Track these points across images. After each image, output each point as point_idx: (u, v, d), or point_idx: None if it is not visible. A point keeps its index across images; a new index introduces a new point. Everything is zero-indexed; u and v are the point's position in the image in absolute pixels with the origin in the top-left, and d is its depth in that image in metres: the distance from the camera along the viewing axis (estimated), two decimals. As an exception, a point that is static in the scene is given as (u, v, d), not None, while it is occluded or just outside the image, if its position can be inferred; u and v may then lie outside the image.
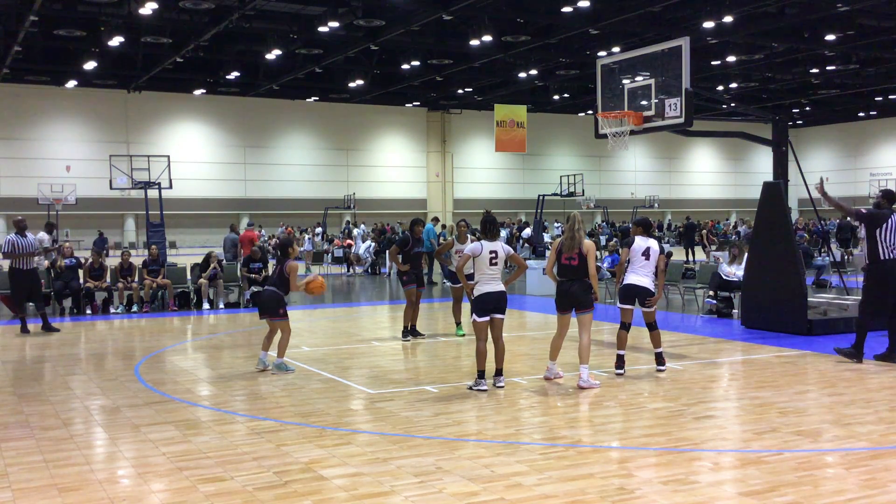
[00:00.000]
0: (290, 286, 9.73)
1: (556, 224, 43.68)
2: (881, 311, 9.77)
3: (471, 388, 8.44)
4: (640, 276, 9.24)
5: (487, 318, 8.45)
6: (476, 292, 8.48)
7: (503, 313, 8.51)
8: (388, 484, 5.49)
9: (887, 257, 9.59)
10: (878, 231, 9.63)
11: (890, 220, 9.64)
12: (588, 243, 8.62)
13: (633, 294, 9.28)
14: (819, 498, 5.13)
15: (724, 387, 8.75)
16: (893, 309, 9.71)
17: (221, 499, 5.27)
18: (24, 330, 13.56)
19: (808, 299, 12.30)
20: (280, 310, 9.68)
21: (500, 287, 8.48)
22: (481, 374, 8.45)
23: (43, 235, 20.45)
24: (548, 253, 35.33)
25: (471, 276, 8.72)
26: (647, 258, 9.25)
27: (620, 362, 9.23)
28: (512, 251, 8.70)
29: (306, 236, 35.93)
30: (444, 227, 28.49)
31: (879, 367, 9.54)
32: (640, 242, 9.35)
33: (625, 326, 9.29)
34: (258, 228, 37.49)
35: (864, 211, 9.88)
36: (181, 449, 6.41)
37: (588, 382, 8.48)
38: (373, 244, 27.87)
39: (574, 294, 8.59)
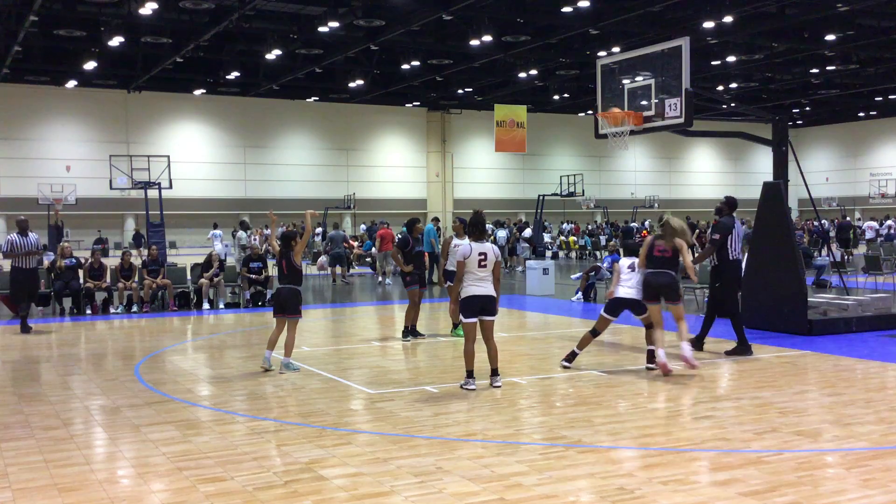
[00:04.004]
0: (301, 246, 9.86)
1: (565, 224, 43.75)
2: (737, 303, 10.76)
3: (461, 387, 8.45)
4: (626, 287, 9.52)
5: (475, 320, 8.45)
6: (463, 294, 8.47)
7: (492, 315, 8.49)
8: (388, 484, 5.49)
9: (734, 258, 10.62)
10: (728, 238, 10.58)
11: (735, 227, 10.73)
12: (679, 241, 9.22)
13: (622, 305, 9.55)
14: (819, 498, 5.13)
15: (724, 387, 8.74)
16: (726, 304, 10.62)
17: (221, 499, 5.27)
18: (25, 329, 13.63)
19: (809, 299, 12.30)
20: (298, 307, 9.73)
21: (489, 290, 8.43)
22: (470, 374, 8.47)
23: (241, 234, 20.91)
24: (548, 253, 35.31)
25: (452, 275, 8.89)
26: (633, 270, 9.60)
27: (651, 357, 9.48)
28: (499, 259, 8.62)
29: (318, 229, 35.64)
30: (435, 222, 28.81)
31: (880, 366, 9.53)
32: (625, 260, 9.76)
33: (650, 326, 9.55)
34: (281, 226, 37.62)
35: (716, 236, 10.67)
36: (181, 449, 6.41)
37: (690, 356, 8.95)
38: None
39: (662, 285, 9.14)
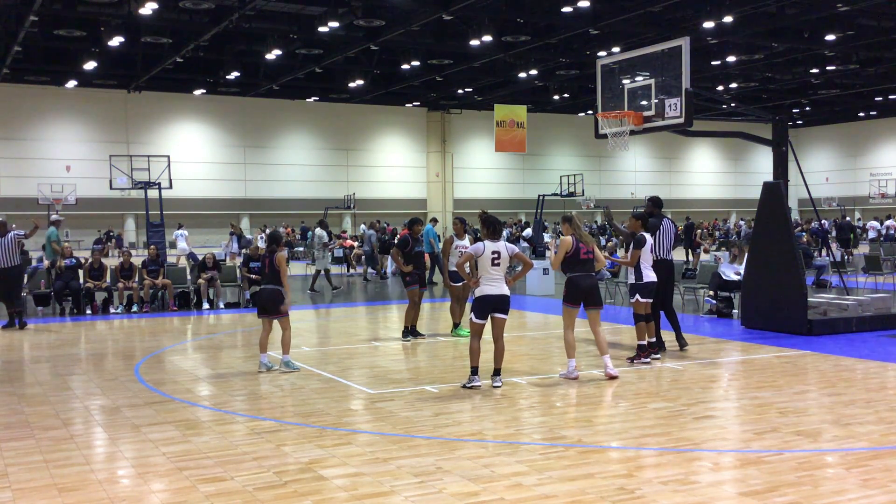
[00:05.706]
0: (283, 278, 9.60)
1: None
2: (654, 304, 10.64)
3: (464, 387, 8.44)
4: (652, 271, 9.84)
5: (485, 321, 8.45)
6: (477, 293, 8.50)
7: (505, 313, 8.50)
8: (388, 484, 5.49)
9: (659, 258, 10.34)
10: (654, 237, 10.33)
11: (662, 225, 10.48)
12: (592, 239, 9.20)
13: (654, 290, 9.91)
14: (819, 498, 5.13)
15: (724, 387, 8.74)
16: (664, 303, 10.63)
17: (221, 499, 5.27)
18: (22, 326, 13.76)
19: (808, 299, 12.30)
20: (281, 307, 9.68)
21: (503, 290, 8.46)
22: (474, 371, 8.46)
23: (322, 232, 21.17)
24: (548, 253, 35.31)
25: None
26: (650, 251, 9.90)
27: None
28: (517, 250, 8.72)
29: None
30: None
31: (880, 366, 9.53)
32: (650, 241, 9.94)
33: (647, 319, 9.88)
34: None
35: (644, 234, 10.42)
36: (181, 449, 6.41)
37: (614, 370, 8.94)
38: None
39: (592, 287, 8.98)
